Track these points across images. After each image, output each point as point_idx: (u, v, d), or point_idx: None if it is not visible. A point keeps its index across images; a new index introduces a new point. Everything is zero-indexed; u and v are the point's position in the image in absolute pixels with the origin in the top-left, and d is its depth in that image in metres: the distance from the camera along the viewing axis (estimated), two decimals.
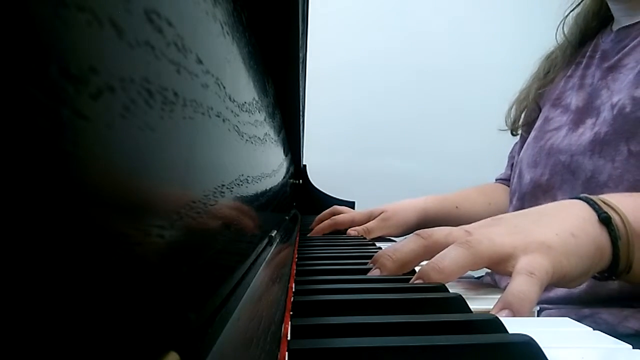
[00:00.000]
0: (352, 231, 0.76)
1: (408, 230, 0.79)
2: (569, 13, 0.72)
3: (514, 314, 0.30)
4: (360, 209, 0.89)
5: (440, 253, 0.36)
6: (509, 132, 0.80)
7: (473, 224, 0.40)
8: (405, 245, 0.39)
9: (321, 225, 0.81)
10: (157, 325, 0.13)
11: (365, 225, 0.77)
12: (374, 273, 0.39)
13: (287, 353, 0.20)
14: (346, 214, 0.83)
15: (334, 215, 0.83)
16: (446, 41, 1.76)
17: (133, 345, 0.11)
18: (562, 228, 0.37)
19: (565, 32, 0.72)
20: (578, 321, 0.28)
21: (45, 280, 0.08)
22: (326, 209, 0.86)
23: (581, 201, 0.40)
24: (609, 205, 0.39)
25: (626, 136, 0.52)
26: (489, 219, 0.41)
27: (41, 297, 0.08)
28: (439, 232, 0.39)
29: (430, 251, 0.37)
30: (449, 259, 0.35)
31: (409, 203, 0.80)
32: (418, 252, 0.39)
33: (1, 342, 0.07)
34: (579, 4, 0.71)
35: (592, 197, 0.40)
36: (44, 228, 0.08)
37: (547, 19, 0.74)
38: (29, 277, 0.07)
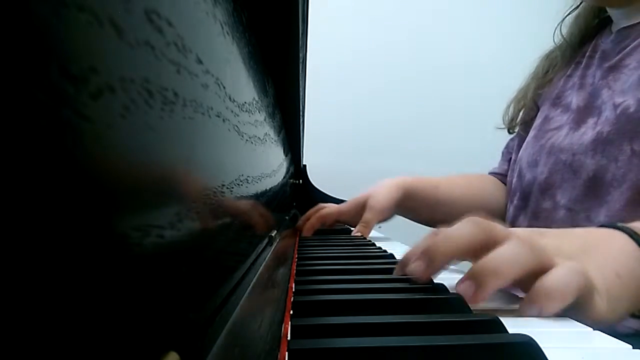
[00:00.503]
0: (356, 233, 0.75)
1: (394, 207, 0.77)
2: (567, 15, 0.72)
3: (544, 309, 0.27)
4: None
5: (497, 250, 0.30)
6: (506, 130, 0.80)
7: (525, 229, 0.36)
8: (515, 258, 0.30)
9: (309, 223, 0.79)
10: (157, 325, 0.13)
11: (362, 220, 0.75)
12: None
13: (287, 353, 0.20)
14: (330, 207, 0.81)
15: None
16: (446, 41, 1.76)
17: (133, 345, 0.11)
18: (606, 265, 0.33)
19: (564, 34, 0.72)
20: (578, 321, 0.28)
21: (46, 280, 0.08)
22: None
23: (621, 232, 0.36)
24: None
25: (629, 136, 0.52)
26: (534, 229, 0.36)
27: (42, 296, 0.08)
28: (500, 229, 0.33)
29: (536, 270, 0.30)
30: (508, 254, 0.29)
31: (387, 182, 0.78)
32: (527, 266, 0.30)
33: (2, 342, 0.07)
34: (578, 6, 0.71)
35: (630, 227, 0.37)
36: (44, 227, 0.08)
37: (547, 17, 0.74)
38: (30, 277, 0.07)
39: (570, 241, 0.35)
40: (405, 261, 0.35)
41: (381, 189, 0.77)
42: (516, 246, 0.30)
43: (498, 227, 0.32)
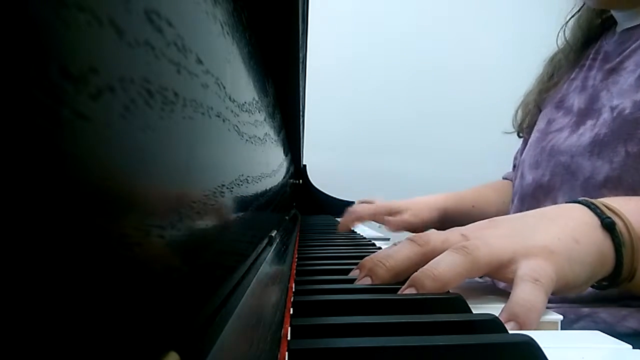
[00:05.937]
0: (391, 219, 0.79)
1: (429, 227, 0.81)
2: (571, 18, 0.72)
3: (521, 326, 0.28)
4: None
5: (435, 259, 0.33)
6: (516, 134, 0.81)
7: (469, 226, 0.38)
8: (400, 251, 0.35)
9: (345, 221, 0.84)
10: (157, 325, 0.13)
11: (402, 218, 0.79)
12: (364, 282, 0.35)
13: (287, 353, 0.20)
14: (365, 205, 0.85)
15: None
16: (446, 40, 1.77)
17: (133, 345, 0.11)
18: (564, 233, 0.34)
19: (567, 37, 0.72)
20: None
21: (46, 281, 0.08)
22: (326, 209, 0.87)
23: (582, 205, 0.38)
24: (611, 210, 0.37)
25: (624, 138, 0.52)
26: (485, 220, 0.38)
27: (41, 296, 0.08)
28: (436, 237, 0.36)
29: (427, 258, 0.34)
30: (445, 265, 0.32)
31: (430, 200, 0.82)
32: (414, 259, 0.35)
33: (1, 342, 0.07)
34: (580, 8, 0.71)
35: (593, 201, 0.38)
36: (44, 228, 0.08)
37: (551, 18, 0.74)
38: (29, 278, 0.07)
39: (524, 220, 0.37)
40: (355, 273, 0.37)
41: (424, 204, 0.81)
42: (448, 255, 0.33)
43: (433, 239, 0.36)
